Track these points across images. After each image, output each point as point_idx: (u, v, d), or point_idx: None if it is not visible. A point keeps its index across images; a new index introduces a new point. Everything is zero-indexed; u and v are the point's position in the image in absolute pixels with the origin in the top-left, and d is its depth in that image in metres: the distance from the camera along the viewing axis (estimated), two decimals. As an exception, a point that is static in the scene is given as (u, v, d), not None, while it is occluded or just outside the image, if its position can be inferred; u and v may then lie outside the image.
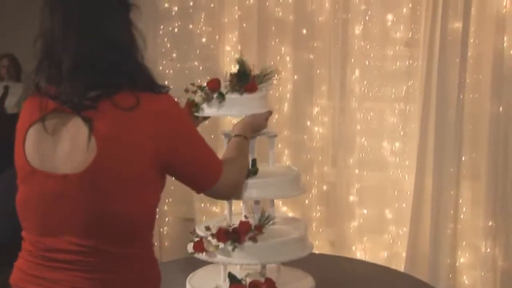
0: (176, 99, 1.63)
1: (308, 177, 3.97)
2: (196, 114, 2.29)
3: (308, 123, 4.02)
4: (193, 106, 2.29)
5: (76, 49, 1.53)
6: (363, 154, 3.89)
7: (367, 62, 3.79)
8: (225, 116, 2.50)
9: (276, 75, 2.30)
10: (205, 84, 2.30)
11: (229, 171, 1.79)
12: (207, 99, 2.28)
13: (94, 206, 1.55)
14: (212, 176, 1.74)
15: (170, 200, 4.44)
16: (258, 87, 2.28)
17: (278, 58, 4.00)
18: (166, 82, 3.44)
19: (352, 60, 3.81)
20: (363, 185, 3.90)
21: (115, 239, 1.59)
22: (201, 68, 4.19)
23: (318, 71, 3.96)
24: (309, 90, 3.97)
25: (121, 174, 1.54)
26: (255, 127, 2.22)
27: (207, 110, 2.29)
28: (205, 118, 2.35)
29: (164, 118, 1.58)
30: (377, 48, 3.73)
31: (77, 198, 1.55)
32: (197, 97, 2.30)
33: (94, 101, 1.54)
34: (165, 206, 4.48)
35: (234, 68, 2.29)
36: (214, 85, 2.29)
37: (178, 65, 4.31)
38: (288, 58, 4.00)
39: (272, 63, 3.85)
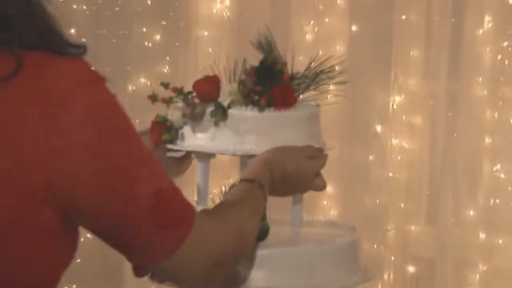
0: (94, 69, 1.19)
1: (375, 246, 3.01)
2: (169, 146, 1.72)
3: (379, 128, 3.08)
4: (165, 130, 1.73)
5: None
6: (497, 200, 2.94)
7: (511, 1, 2.94)
8: (224, 153, 1.84)
9: (342, 73, 1.76)
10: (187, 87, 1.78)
11: (210, 230, 1.29)
12: (192, 116, 1.74)
13: None
14: (166, 235, 1.24)
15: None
16: (297, 97, 1.76)
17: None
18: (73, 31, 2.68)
19: (478, -3, 2.97)
20: (494, 265, 2.95)
21: None
22: (149, 2, 3.20)
23: (403, 17, 3.03)
24: (383, 58, 3.06)
25: None
26: (280, 171, 1.58)
27: (191, 138, 1.75)
28: (187, 156, 1.82)
29: (69, 100, 1.14)
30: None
31: None
32: (172, 112, 1.74)
33: None
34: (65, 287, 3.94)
35: (252, 57, 1.75)
36: (206, 89, 1.76)
37: (99, 0, 3.31)
38: (338, -10, 3.18)
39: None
